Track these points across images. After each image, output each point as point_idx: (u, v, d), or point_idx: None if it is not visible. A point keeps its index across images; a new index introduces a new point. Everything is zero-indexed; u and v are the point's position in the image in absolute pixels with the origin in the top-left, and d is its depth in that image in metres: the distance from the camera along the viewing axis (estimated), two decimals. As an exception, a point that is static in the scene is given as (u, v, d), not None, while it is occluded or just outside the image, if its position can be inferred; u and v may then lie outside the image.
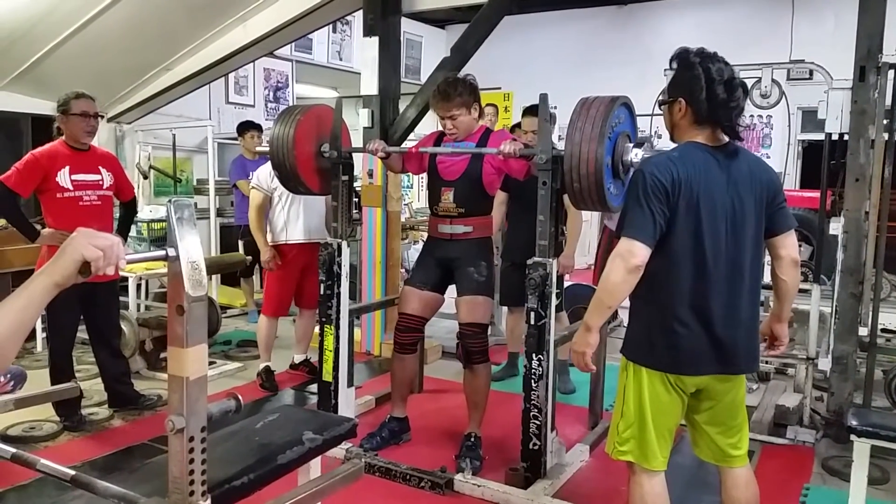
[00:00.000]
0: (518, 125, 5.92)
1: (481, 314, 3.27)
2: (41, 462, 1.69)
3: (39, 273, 1.19)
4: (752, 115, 7.65)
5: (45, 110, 5.58)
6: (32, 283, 1.18)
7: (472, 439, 3.29)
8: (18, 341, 1.18)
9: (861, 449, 2.44)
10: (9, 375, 2.13)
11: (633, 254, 1.97)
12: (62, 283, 1.19)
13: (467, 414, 3.36)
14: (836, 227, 3.53)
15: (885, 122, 3.44)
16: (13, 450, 1.76)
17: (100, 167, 3.63)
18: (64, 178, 3.47)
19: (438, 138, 3.39)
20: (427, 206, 3.53)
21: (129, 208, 3.93)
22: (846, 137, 3.49)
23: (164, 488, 1.39)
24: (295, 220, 4.37)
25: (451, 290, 3.42)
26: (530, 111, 4.05)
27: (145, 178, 6.37)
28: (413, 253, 7.81)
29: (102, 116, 3.68)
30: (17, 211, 3.51)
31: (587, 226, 8.23)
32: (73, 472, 1.63)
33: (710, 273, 2.03)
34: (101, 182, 3.61)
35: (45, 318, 3.66)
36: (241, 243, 5.93)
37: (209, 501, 1.39)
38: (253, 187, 4.43)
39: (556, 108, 4.37)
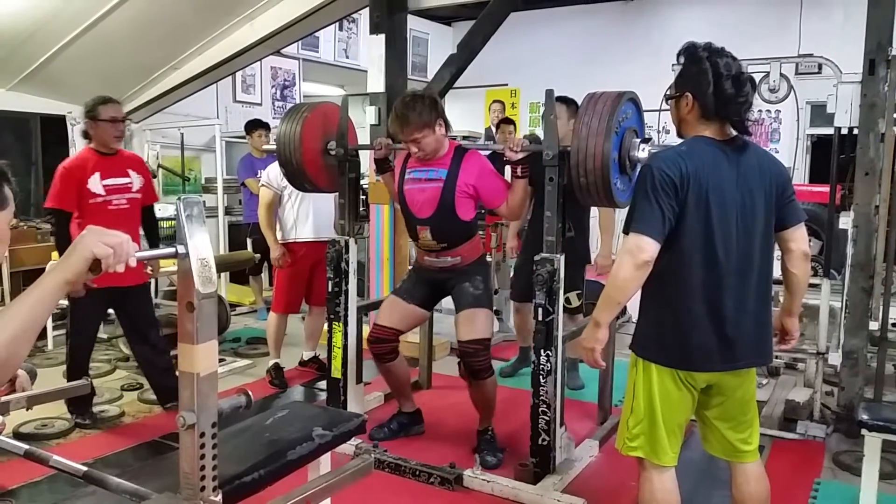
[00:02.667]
0: (505, 120, 5.91)
1: (481, 328, 3.15)
2: (54, 458, 1.70)
3: (50, 271, 1.20)
4: (760, 110, 7.60)
5: (54, 110, 5.63)
6: (43, 281, 1.19)
7: (490, 433, 3.28)
8: (30, 338, 1.19)
9: (872, 443, 2.44)
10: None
11: (642, 249, 1.96)
12: (73, 280, 1.19)
13: (477, 413, 3.34)
14: (845, 221, 3.51)
15: (894, 115, 3.41)
16: (26, 446, 1.77)
17: (128, 170, 3.63)
18: (95, 183, 3.47)
19: (407, 158, 3.23)
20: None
21: (150, 214, 3.87)
22: (856, 131, 3.47)
23: (175, 484, 1.40)
24: (304, 218, 4.38)
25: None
26: (558, 100, 3.91)
27: (154, 177, 6.37)
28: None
29: (130, 120, 3.70)
30: (69, 237, 3.48)
31: (594, 221, 8.23)
32: (85, 469, 1.65)
33: (721, 268, 2.02)
34: (130, 185, 3.60)
35: (54, 317, 3.68)
36: (249, 241, 5.95)
37: (220, 497, 1.40)
38: (263, 185, 4.44)
39: (564, 102, 4.31)
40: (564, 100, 3.79)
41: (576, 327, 3.35)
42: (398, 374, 3.47)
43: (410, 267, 5.41)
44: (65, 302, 5.11)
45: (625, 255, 2.00)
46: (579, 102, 2.73)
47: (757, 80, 3.92)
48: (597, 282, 4.77)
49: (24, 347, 1.18)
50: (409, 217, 3.24)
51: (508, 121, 5.87)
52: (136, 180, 3.64)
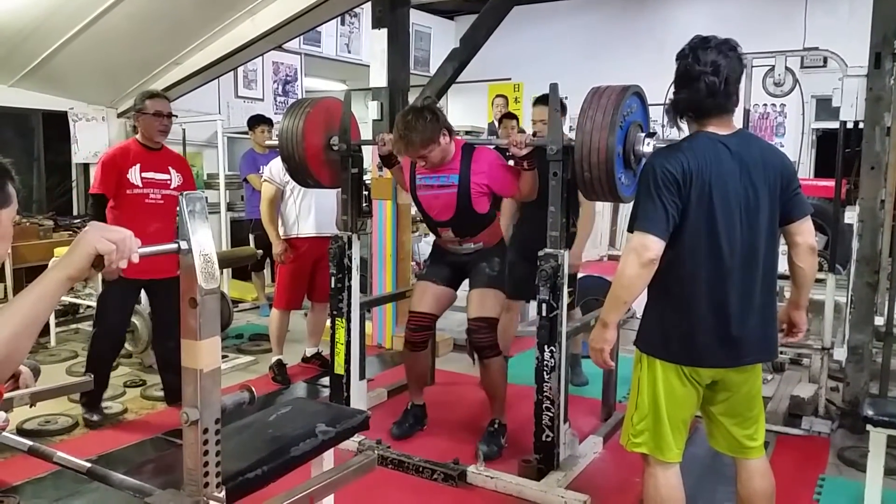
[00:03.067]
0: (508, 115, 5.87)
1: (490, 307, 3.23)
2: (57, 455, 1.70)
3: (53, 267, 1.20)
4: (765, 104, 7.57)
5: (56, 106, 5.62)
6: (46, 277, 1.19)
7: (496, 426, 3.31)
8: (32, 334, 1.18)
9: (877, 439, 2.43)
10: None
11: (647, 247, 1.96)
12: (76, 276, 1.19)
13: (484, 405, 3.38)
14: (851, 216, 3.50)
15: (901, 109, 3.39)
16: (30, 442, 1.77)
17: (169, 167, 3.64)
18: (135, 175, 3.50)
19: (412, 166, 3.24)
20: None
21: None
22: (861, 125, 3.45)
23: (179, 480, 1.40)
24: (307, 213, 4.37)
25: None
26: (541, 101, 3.85)
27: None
28: (423, 246, 7.82)
29: (176, 116, 3.73)
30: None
31: (598, 217, 8.20)
32: (88, 465, 1.65)
33: (725, 263, 2.01)
34: (168, 182, 3.61)
35: (57, 314, 3.67)
36: (251, 237, 5.95)
37: (223, 493, 1.39)
38: (265, 180, 4.44)
39: (566, 98, 4.27)
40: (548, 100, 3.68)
41: (579, 323, 3.34)
42: (422, 365, 3.54)
43: (414, 262, 5.41)
44: (66, 298, 5.12)
45: (630, 253, 2.00)
46: (583, 97, 2.70)
47: (762, 74, 3.93)
48: (600, 277, 4.76)
49: (25, 344, 1.18)
50: (428, 219, 3.32)
51: (511, 116, 5.84)
52: (175, 178, 3.64)
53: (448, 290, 3.41)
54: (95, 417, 3.58)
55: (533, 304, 3.72)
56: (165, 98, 3.65)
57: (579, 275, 4.37)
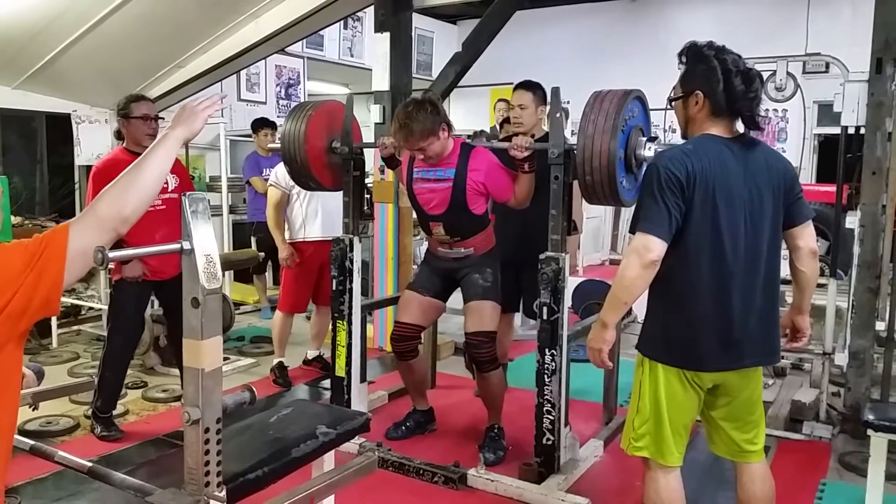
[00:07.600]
0: (509, 120, 5.86)
1: (488, 321, 3.19)
2: (59, 454, 1.71)
3: (173, 130, 1.46)
4: (767, 109, 7.57)
5: (60, 108, 5.65)
6: (169, 138, 1.43)
7: (496, 430, 3.31)
8: (160, 183, 1.42)
9: (878, 444, 2.43)
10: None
11: (649, 248, 1.96)
12: (190, 138, 1.48)
13: (484, 410, 3.36)
14: (852, 221, 3.50)
15: (902, 114, 3.40)
16: (32, 442, 1.77)
17: None
18: None
19: (412, 158, 3.21)
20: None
21: None
22: (863, 131, 3.45)
23: (180, 480, 1.40)
24: (313, 217, 4.38)
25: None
26: (521, 86, 3.67)
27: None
28: (424, 249, 7.82)
29: (162, 119, 3.71)
30: None
31: (599, 221, 8.21)
32: (90, 464, 1.65)
33: (728, 266, 2.01)
34: (165, 185, 3.52)
35: (59, 316, 3.65)
36: (253, 240, 5.96)
37: (224, 493, 1.40)
38: (271, 184, 4.44)
39: (568, 102, 4.28)
40: (530, 85, 3.60)
41: (580, 326, 3.33)
42: (418, 371, 3.51)
43: (415, 265, 5.41)
44: (69, 300, 5.12)
45: (631, 254, 1.99)
46: (585, 101, 2.71)
47: (764, 79, 3.94)
48: (601, 281, 4.76)
49: (156, 191, 1.40)
50: (421, 214, 3.28)
51: (513, 120, 5.83)
52: (171, 180, 3.59)
53: (435, 301, 3.37)
54: (112, 433, 3.48)
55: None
56: (150, 100, 3.60)
57: (580, 279, 4.38)
